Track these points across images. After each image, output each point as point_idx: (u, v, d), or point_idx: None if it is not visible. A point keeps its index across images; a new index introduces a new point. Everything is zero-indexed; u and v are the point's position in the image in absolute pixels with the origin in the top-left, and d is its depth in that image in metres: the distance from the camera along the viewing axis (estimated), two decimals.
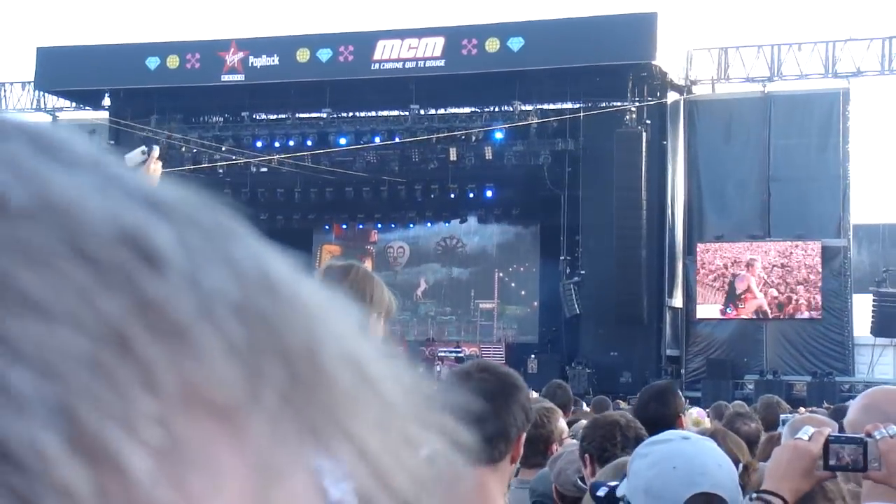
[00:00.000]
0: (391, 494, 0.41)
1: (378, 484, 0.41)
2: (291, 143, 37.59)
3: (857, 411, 3.20)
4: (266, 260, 0.44)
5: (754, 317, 34.95)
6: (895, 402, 3.10)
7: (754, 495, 2.80)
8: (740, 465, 4.58)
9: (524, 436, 2.96)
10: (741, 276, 35.07)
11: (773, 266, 34.80)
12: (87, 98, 41.26)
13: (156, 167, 5.63)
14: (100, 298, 0.35)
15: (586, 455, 4.57)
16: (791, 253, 34.68)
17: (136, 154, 5.61)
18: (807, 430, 2.84)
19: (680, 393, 6.27)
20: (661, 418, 5.01)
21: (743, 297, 35.05)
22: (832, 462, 2.75)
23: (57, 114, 42.97)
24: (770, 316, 34.73)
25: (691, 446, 2.94)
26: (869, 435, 2.78)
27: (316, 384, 0.39)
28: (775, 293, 34.77)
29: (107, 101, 40.46)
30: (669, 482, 2.85)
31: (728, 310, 35.17)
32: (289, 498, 0.40)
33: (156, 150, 5.61)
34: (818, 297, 34.37)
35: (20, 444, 0.33)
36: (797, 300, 34.61)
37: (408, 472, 0.42)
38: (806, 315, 34.44)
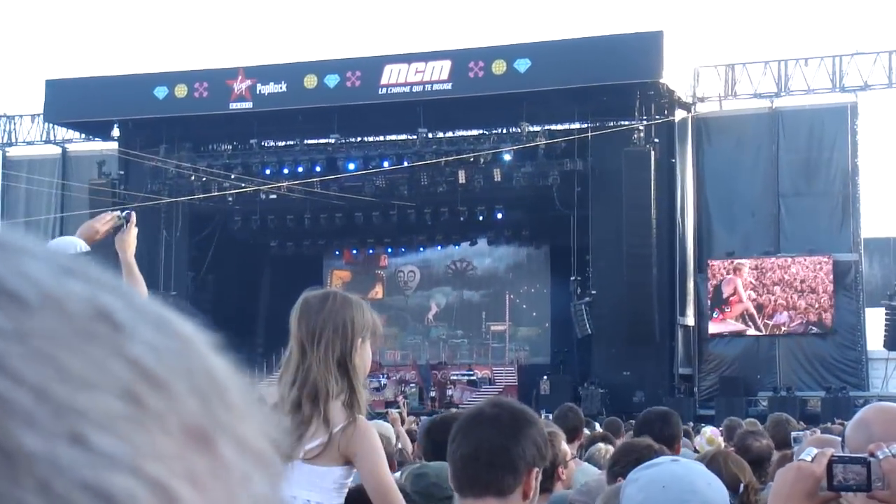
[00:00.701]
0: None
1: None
2: (300, 169, 37.65)
3: (849, 429, 3.21)
4: (183, 327, 0.53)
5: (741, 322, 34.89)
6: (884, 420, 3.11)
7: None
8: (741, 486, 4.58)
9: (536, 471, 2.95)
10: (728, 280, 35.07)
11: (766, 270, 34.77)
12: (97, 129, 41.39)
13: (134, 232, 5.85)
14: (110, 364, 0.45)
15: (618, 479, 4.58)
16: (803, 268, 34.60)
17: (111, 217, 5.84)
18: (810, 451, 2.84)
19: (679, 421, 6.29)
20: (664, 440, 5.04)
21: (729, 300, 35.02)
22: (836, 482, 2.75)
23: (66, 145, 43.17)
24: (758, 320, 34.67)
25: (681, 468, 2.97)
26: (872, 455, 2.77)
27: (231, 408, 0.51)
28: (769, 297, 34.68)
29: (116, 132, 40.54)
30: (660, 502, 2.85)
31: (714, 314, 35.12)
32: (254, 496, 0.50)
33: (133, 217, 5.84)
34: (831, 312, 34.28)
35: (124, 495, 0.43)
36: (788, 306, 34.55)
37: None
38: (818, 330, 34.35)
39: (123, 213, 5.88)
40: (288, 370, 3.96)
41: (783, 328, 34.70)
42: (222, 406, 0.51)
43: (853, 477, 2.74)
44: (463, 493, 2.92)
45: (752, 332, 35.03)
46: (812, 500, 2.78)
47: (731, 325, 35.20)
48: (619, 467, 4.63)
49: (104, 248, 6.16)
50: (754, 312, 34.79)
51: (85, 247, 5.76)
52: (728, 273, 35.10)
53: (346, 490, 3.94)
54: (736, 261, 35.01)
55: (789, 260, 34.77)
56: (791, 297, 34.53)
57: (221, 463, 0.49)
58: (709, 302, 35.41)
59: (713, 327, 35.28)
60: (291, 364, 3.94)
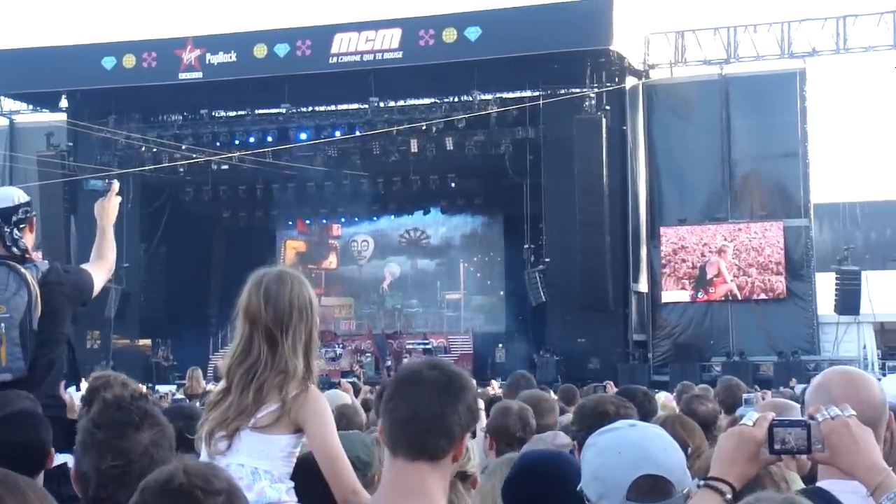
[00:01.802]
0: None
1: None
2: (252, 139, 37.47)
3: (809, 392, 3.25)
4: None
5: (722, 299, 35.10)
6: (842, 383, 3.15)
7: (701, 482, 2.82)
8: (689, 450, 4.62)
9: (467, 436, 2.98)
10: (712, 262, 35.21)
11: (744, 251, 34.93)
12: (44, 100, 40.97)
13: (116, 201, 6.00)
14: None
15: (575, 441, 4.60)
16: (759, 242, 34.83)
17: (98, 183, 6.05)
18: (751, 416, 2.87)
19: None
20: None
21: (713, 281, 35.20)
22: (777, 446, 2.78)
23: (14, 116, 42.69)
24: (740, 299, 34.89)
25: (636, 432, 3.00)
26: (812, 417, 2.81)
27: None
28: (746, 280, 34.92)
29: (64, 103, 40.16)
30: (615, 467, 2.89)
31: (699, 294, 35.29)
32: None
33: (115, 185, 6.02)
34: (782, 278, 34.57)
35: None
36: (762, 281, 34.79)
37: None
38: (770, 295, 34.63)
39: (107, 181, 6.01)
40: (249, 357, 3.94)
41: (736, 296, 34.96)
42: None
43: (793, 440, 2.78)
44: (395, 453, 2.93)
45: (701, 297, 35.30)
46: (754, 463, 2.82)
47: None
48: (578, 429, 4.65)
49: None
50: (738, 294, 34.96)
51: (24, 197, 5.75)
52: (712, 254, 35.17)
53: (295, 458, 3.94)
54: (721, 243, 35.09)
55: (741, 226, 34.99)
56: (767, 279, 34.70)
57: None
58: (662, 271, 35.58)
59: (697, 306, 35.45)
60: (255, 352, 3.93)
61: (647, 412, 6.08)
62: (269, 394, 3.88)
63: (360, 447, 4.19)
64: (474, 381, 3.11)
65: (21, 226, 5.65)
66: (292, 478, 3.93)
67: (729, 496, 2.74)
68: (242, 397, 3.89)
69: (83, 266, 5.95)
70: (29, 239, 5.68)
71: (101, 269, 5.95)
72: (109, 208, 6.01)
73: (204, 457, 3.87)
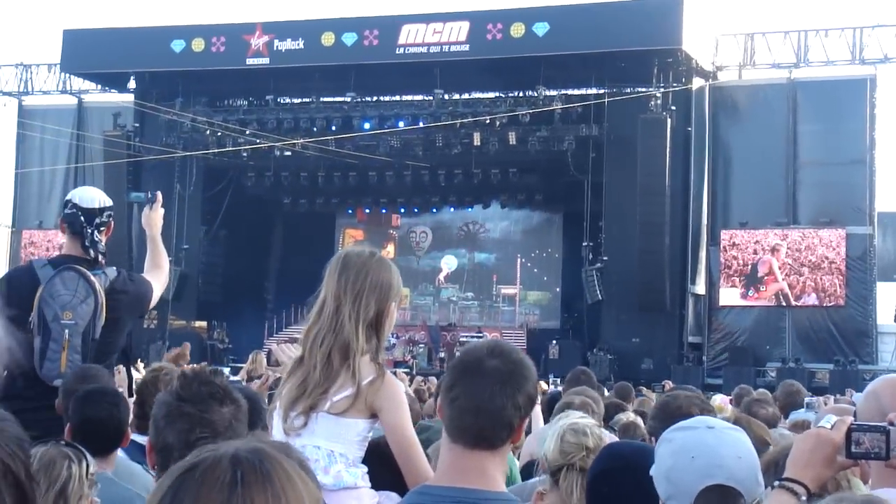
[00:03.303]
0: None
1: None
2: (315, 127, 37.62)
3: (860, 399, 3.24)
4: None
5: (775, 301, 34.82)
6: (893, 391, 3.13)
7: (776, 483, 2.81)
8: (769, 448, 4.57)
9: (526, 421, 3.00)
10: (763, 260, 34.98)
11: (797, 251, 34.68)
12: (113, 80, 41.37)
13: (161, 211, 6.12)
14: None
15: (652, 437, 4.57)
16: (813, 240, 34.56)
17: (140, 195, 6.14)
18: (829, 419, 2.86)
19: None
20: None
21: (764, 280, 34.96)
22: (854, 450, 2.77)
23: (83, 96, 43.16)
24: (791, 300, 34.61)
25: (713, 437, 2.94)
26: (892, 423, 2.79)
27: None
28: (797, 279, 34.66)
29: (132, 84, 40.48)
30: (687, 472, 2.87)
31: (750, 292, 35.05)
32: None
33: (159, 197, 6.13)
34: (842, 285, 34.25)
35: None
36: (818, 288, 34.49)
37: None
38: (830, 303, 34.32)
39: (150, 194, 6.09)
40: (318, 323, 3.97)
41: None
42: None
43: (872, 445, 2.76)
44: (454, 440, 2.95)
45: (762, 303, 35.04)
46: (830, 466, 2.81)
47: (764, 304, 35.07)
48: (657, 423, 4.61)
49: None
50: (788, 293, 34.72)
51: (108, 201, 5.83)
52: (764, 252, 34.95)
53: (367, 443, 3.98)
54: (774, 242, 34.85)
55: (801, 233, 34.69)
56: (819, 279, 34.41)
57: None
58: (721, 271, 35.36)
59: (748, 303, 35.19)
60: (324, 317, 3.96)
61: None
62: (339, 372, 3.89)
63: (433, 436, 4.22)
64: (534, 367, 3.11)
65: (101, 229, 5.73)
66: (363, 462, 3.97)
67: (804, 498, 2.74)
68: (314, 371, 3.91)
69: (144, 275, 6.02)
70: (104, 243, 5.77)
71: (158, 280, 6.04)
72: (156, 218, 6.10)
73: (278, 430, 3.92)
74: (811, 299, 34.51)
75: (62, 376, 5.29)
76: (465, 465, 2.94)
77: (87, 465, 3.69)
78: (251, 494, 1.60)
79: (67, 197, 5.81)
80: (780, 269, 34.84)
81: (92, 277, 5.46)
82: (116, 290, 5.58)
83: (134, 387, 5.64)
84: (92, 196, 5.83)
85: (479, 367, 2.95)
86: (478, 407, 2.90)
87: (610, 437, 5.01)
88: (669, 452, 2.94)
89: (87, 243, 5.63)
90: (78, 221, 5.65)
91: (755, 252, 35.10)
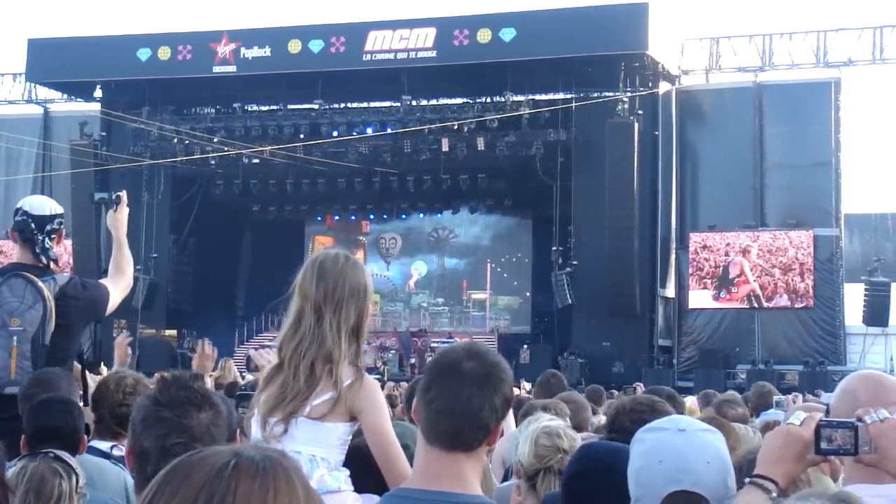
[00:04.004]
0: None
1: None
2: (283, 134, 37.52)
3: (834, 396, 3.26)
4: None
5: (746, 304, 34.97)
6: (869, 386, 3.16)
7: (747, 480, 2.83)
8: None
9: (502, 422, 3.00)
10: (735, 262, 35.14)
11: (767, 253, 34.87)
12: (79, 89, 41.19)
13: (126, 211, 6.01)
14: None
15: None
16: (783, 242, 34.75)
17: (104, 195, 6.06)
18: (798, 416, 2.87)
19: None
20: None
21: (736, 281, 35.12)
22: (823, 446, 2.79)
23: (48, 105, 42.93)
24: (763, 302, 34.78)
25: (683, 440, 2.90)
26: (860, 419, 2.81)
27: None
28: (769, 280, 34.85)
29: (98, 93, 40.38)
30: (654, 475, 2.86)
31: (721, 294, 35.20)
32: None
33: (124, 197, 6.02)
34: (810, 287, 34.45)
35: None
36: (784, 282, 34.68)
37: None
38: (798, 304, 34.50)
39: (113, 195, 6.04)
40: (297, 333, 3.97)
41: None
42: None
43: (841, 441, 2.78)
44: (431, 442, 2.95)
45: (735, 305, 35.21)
46: (800, 463, 2.83)
47: (735, 305, 35.21)
48: (608, 433, 4.63)
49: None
50: (760, 294, 34.88)
51: (59, 208, 5.82)
52: (735, 254, 35.12)
53: (347, 446, 3.98)
54: (745, 244, 35.01)
55: (771, 234, 34.88)
56: (791, 281, 34.59)
57: None
58: (692, 274, 35.51)
59: (717, 306, 35.33)
60: (305, 328, 3.96)
61: None
62: (321, 379, 3.91)
63: (409, 437, 4.22)
64: (510, 369, 3.11)
65: (52, 236, 5.71)
66: (344, 466, 3.97)
67: (774, 494, 2.75)
68: (295, 378, 3.92)
69: (102, 281, 5.98)
70: (55, 250, 5.73)
71: (118, 285, 5.98)
72: (121, 219, 6.00)
73: (256, 438, 3.92)
74: (783, 301, 34.70)
75: (13, 383, 5.27)
76: (440, 467, 2.94)
77: (77, 479, 3.67)
78: (237, 479, 1.60)
79: (18, 205, 5.79)
80: (751, 270, 35.01)
81: (40, 283, 5.44)
82: (67, 295, 5.56)
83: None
84: (42, 203, 5.81)
85: (457, 369, 2.94)
86: (454, 409, 2.90)
87: (586, 438, 5.03)
88: (640, 454, 2.94)
89: (37, 250, 5.61)
90: (28, 228, 5.64)
91: (727, 254, 35.27)
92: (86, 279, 5.99)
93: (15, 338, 5.34)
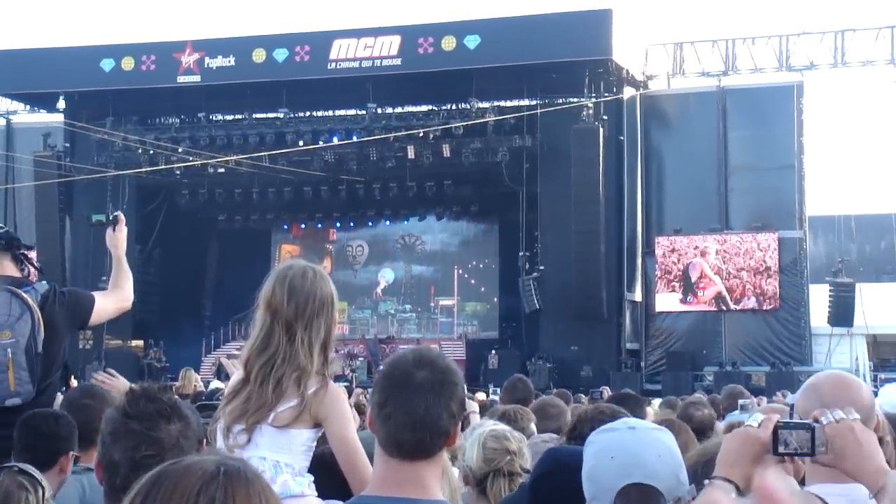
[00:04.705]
0: None
1: None
2: (249, 143, 37.44)
3: (799, 394, 3.31)
4: None
5: (714, 307, 35.11)
6: (833, 386, 3.21)
7: (706, 482, 2.87)
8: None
9: (460, 424, 3.03)
10: (694, 264, 35.32)
11: (735, 256, 35.05)
12: (42, 101, 40.98)
13: (123, 232, 6.10)
14: None
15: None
16: (751, 245, 34.94)
17: (101, 216, 6.12)
18: (756, 418, 2.91)
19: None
20: None
21: (699, 284, 35.28)
22: (781, 448, 2.82)
23: (11, 117, 42.66)
24: (730, 304, 34.94)
25: (633, 437, 2.98)
26: (816, 420, 2.86)
27: None
28: (735, 283, 35.02)
29: (62, 104, 40.18)
30: (607, 471, 2.91)
31: (688, 298, 35.35)
32: None
33: (122, 217, 6.14)
34: (776, 288, 34.65)
35: None
36: (753, 284, 34.86)
37: None
38: (766, 306, 34.70)
39: (112, 215, 6.11)
40: (268, 349, 3.99)
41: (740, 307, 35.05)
42: None
43: (798, 442, 2.82)
44: (391, 455, 2.97)
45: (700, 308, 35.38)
46: (758, 464, 2.87)
47: (703, 308, 35.35)
48: (568, 439, 4.68)
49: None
50: (727, 296, 35.03)
51: None
52: (695, 256, 35.27)
53: (312, 452, 4.01)
54: (704, 245, 35.19)
55: (737, 237, 35.07)
56: (758, 283, 34.78)
57: None
58: (659, 277, 35.65)
59: (685, 309, 35.47)
60: (275, 344, 3.98)
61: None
62: (288, 388, 3.93)
63: (374, 445, 4.25)
64: (459, 370, 3.13)
65: (28, 248, 5.74)
66: (309, 472, 4.00)
67: (733, 495, 2.79)
68: (262, 390, 3.94)
69: (94, 293, 6.01)
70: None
71: (110, 297, 6.01)
72: (121, 238, 6.10)
73: (220, 447, 3.93)
74: (751, 303, 34.87)
75: (13, 395, 5.28)
76: (401, 476, 2.95)
77: (43, 492, 3.67)
78: (232, 485, 1.63)
79: None
80: (712, 270, 35.17)
81: (23, 294, 5.44)
82: (49, 302, 5.57)
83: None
84: None
85: (409, 381, 2.94)
86: (414, 422, 2.90)
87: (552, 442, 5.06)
88: (592, 454, 2.99)
89: (20, 260, 5.62)
90: (7, 237, 5.65)
91: (682, 256, 35.46)
92: (67, 287, 6.01)
93: (9, 350, 5.34)
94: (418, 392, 2.92)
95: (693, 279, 35.29)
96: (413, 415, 2.90)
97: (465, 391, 3.13)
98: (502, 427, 4.36)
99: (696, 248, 35.42)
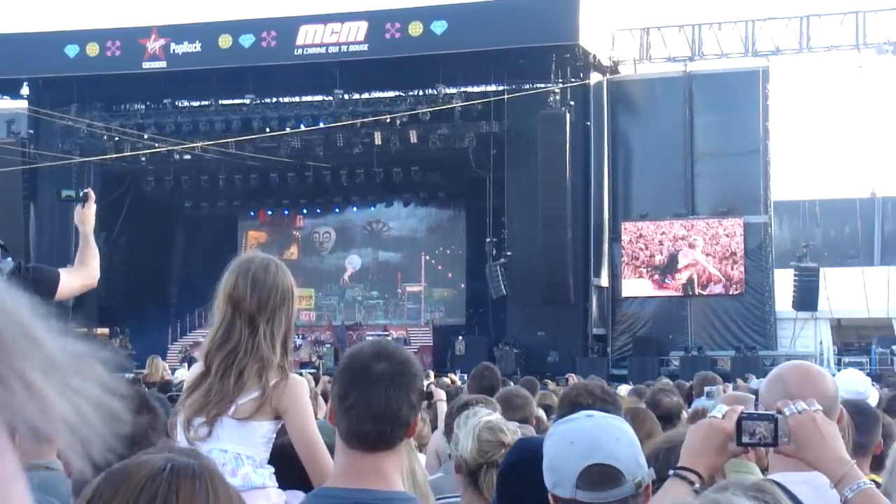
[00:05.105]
0: (54, 421, 0.66)
1: (42, 413, 0.66)
2: (215, 129, 37.30)
3: (764, 386, 3.34)
4: None
5: (681, 292, 35.27)
6: (797, 376, 3.25)
7: (671, 473, 2.89)
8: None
9: (419, 415, 3.06)
10: (685, 252, 35.34)
11: (707, 244, 35.21)
12: (5, 87, 40.64)
13: (91, 209, 5.98)
14: None
15: None
16: (720, 230, 35.10)
17: (70, 192, 6.06)
18: (720, 409, 2.94)
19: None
20: None
21: (680, 269, 35.31)
22: (745, 438, 2.85)
23: None
24: (696, 289, 35.12)
25: (591, 423, 3.02)
26: (779, 411, 2.89)
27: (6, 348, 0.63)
28: (702, 269, 35.18)
29: (25, 90, 39.93)
30: (567, 457, 2.93)
31: (666, 280, 35.37)
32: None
33: (91, 194, 6.04)
34: (741, 273, 34.85)
35: None
36: (719, 270, 35.05)
37: (70, 406, 0.67)
38: (729, 291, 34.89)
39: (83, 191, 6.07)
40: (229, 342, 3.99)
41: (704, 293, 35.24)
42: (15, 350, 0.64)
43: (761, 433, 2.86)
44: (353, 446, 2.98)
45: (664, 293, 35.53)
46: (722, 455, 2.90)
47: (672, 294, 35.50)
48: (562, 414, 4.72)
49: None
50: (695, 280, 35.15)
51: None
52: (675, 242, 35.36)
53: (272, 444, 4.02)
54: (683, 233, 35.31)
55: (704, 223, 35.22)
56: (724, 268, 34.96)
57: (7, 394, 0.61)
58: (626, 263, 35.77)
59: (658, 293, 35.62)
60: (236, 338, 3.98)
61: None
62: (249, 380, 3.94)
63: (331, 434, 4.26)
64: (417, 361, 3.15)
65: None
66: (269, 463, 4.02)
67: (697, 485, 2.82)
68: (223, 382, 3.95)
69: (60, 269, 5.97)
70: None
71: (76, 274, 5.96)
72: (89, 215, 6.00)
73: (182, 441, 3.94)
74: (718, 288, 35.07)
75: None
76: (362, 466, 2.97)
77: None
78: (177, 482, 1.64)
79: None
80: (703, 259, 35.25)
81: None
82: (15, 279, 5.53)
83: None
84: None
85: (368, 373, 2.95)
86: (375, 413, 2.92)
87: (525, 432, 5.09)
88: (551, 444, 3.02)
89: None
90: None
91: (661, 243, 35.53)
92: (34, 264, 5.97)
93: None
94: (378, 384, 2.93)
95: (680, 265, 35.32)
96: (373, 406, 2.92)
97: (425, 382, 3.16)
98: (497, 418, 4.37)
99: (664, 233, 35.52)
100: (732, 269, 34.94)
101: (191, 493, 1.66)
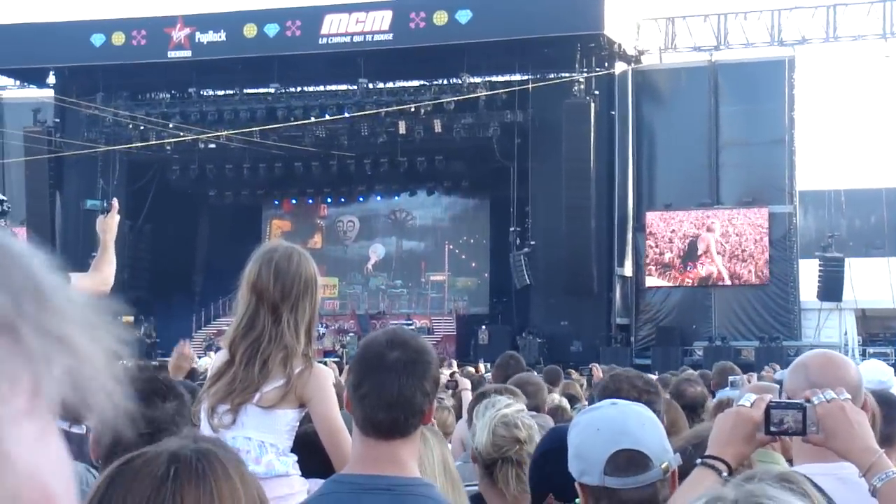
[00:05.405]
0: (96, 371, 0.69)
1: (84, 364, 0.70)
2: (239, 118, 37.39)
3: (787, 373, 3.34)
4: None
5: (703, 283, 35.20)
6: (820, 365, 3.24)
7: (698, 461, 2.91)
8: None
9: (434, 403, 3.07)
10: (703, 237, 35.32)
11: (729, 233, 35.14)
12: (32, 76, 40.84)
13: (117, 218, 6.08)
14: None
15: None
16: (739, 219, 35.02)
17: (96, 202, 6.12)
18: (748, 397, 2.95)
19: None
20: None
21: (700, 257, 35.29)
22: (773, 427, 2.86)
23: (1, 92, 42.51)
24: (726, 279, 35.05)
25: (616, 411, 3.04)
26: (808, 400, 2.90)
27: (42, 303, 0.67)
28: (727, 260, 35.12)
29: (52, 79, 40.08)
30: (594, 444, 2.95)
31: (688, 268, 35.34)
32: (53, 385, 0.67)
33: (116, 204, 6.10)
34: (765, 263, 34.75)
35: None
36: (744, 266, 34.97)
37: (102, 359, 0.71)
38: (753, 281, 34.80)
39: (106, 202, 6.13)
40: (253, 331, 4.02)
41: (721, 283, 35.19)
42: (33, 302, 0.67)
43: (789, 422, 2.86)
44: (368, 434, 3.01)
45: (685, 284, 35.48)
46: (750, 443, 2.91)
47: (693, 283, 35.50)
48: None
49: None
50: (724, 271, 35.11)
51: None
52: (699, 229, 35.33)
53: (295, 432, 4.05)
54: (705, 219, 35.27)
55: (728, 212, 35.13)
56: (748, 258, 34.90)
57: (22, 347, 0.65)
58: (646, 253, 35.73)
59: (679, 281, 35.62)
60: (261, 327, 4.01)
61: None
62: (273, 369, 3.97)
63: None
64: (433, 349, 3.16)
65: (3, 219, 5.75)
66: (292, 451, 4.05)
67: (725, 474, 2.83)
68: (248, 371, 3.98)
69: (74, 273, 6.00)
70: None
71: (88, 279, 5.99)
72: (112, 225, 6.08)
73: (206, 429, 3.97)
74: (742, 278, 34.97)
75: None
76: (378, 454, 2.99)
77: None
78: (181, 490, 1.64)
79: None
80: (715, 246, 35.21)
81: None
82: None
83: None
84: None
85: (382, 361, 2.97)
86: (389, 402, 2.93)
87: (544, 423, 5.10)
88: (576, 433, 3.04)
89: None
90: None
91: (684, 233, 35.48)
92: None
93: None
94: (391, 372, 2.95)
95: (699, 251, 35.31)
96: (387, 395, 2.94)
97: (447, 371, 3.17)
98: (514, 411, 4.37)
99: (691, 223, 35.46)
100: (757, 258, 34.82)
101: (193, 500, 1.66)
